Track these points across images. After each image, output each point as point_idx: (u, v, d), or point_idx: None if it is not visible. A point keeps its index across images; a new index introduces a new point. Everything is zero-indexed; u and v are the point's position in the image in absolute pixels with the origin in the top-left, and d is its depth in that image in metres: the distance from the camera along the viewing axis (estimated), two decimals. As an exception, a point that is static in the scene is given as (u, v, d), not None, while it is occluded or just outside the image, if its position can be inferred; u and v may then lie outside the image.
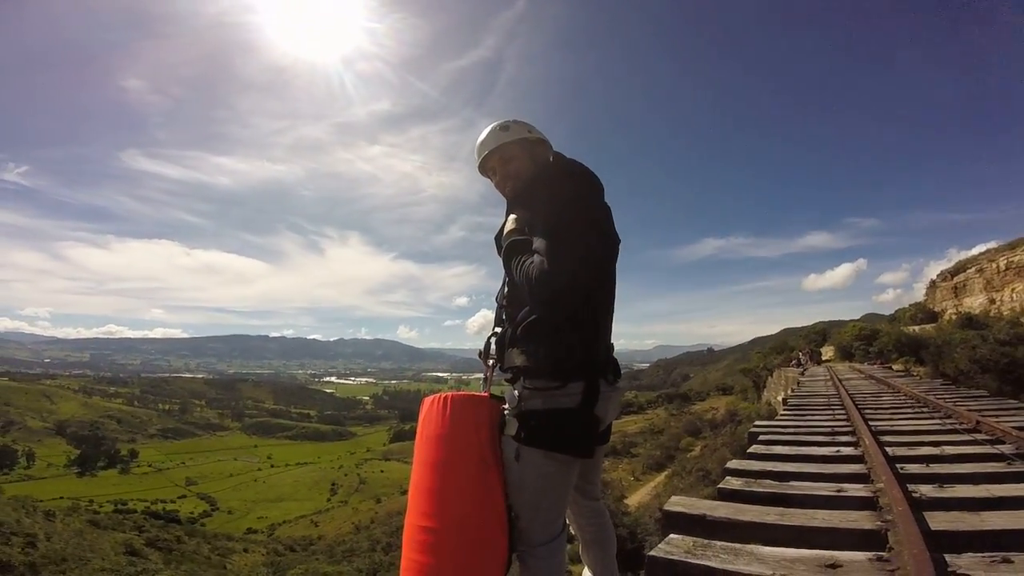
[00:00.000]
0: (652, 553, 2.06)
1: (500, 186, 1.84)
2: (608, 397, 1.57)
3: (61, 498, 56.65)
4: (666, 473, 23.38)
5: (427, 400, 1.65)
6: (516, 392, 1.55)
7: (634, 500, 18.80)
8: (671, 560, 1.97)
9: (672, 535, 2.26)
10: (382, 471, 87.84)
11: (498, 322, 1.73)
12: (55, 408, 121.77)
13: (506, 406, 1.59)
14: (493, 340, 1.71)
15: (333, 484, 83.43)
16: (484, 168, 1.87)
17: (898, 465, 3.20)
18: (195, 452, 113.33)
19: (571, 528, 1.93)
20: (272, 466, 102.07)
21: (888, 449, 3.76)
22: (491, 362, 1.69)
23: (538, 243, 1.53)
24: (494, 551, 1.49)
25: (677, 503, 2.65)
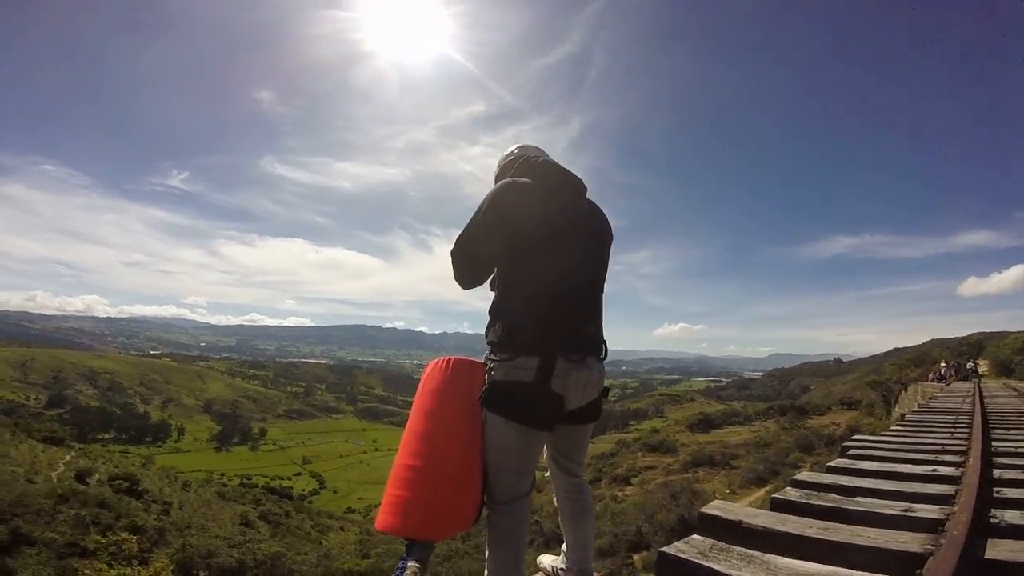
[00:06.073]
0: (664, 550, 2.00)
1: None
2: (567, 374, 1.63)
3: (199, 471, 64.27)
4: (767, 489, 21.66)
5: (432, 362, 1.86)
6: (488, 364, 1.72)
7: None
8: (680, 559, 1.91)
9: (694, 536, 2.17)
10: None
11: None
12: (205, 387, 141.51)
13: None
14: None
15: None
16: None
17: (998, 489, 2.75)
18: (313, 433, 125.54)
19: (554, 500, 2.06)
20: (376, 450, 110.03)
21: (997, 471, 3.24)
22: None
23: None
24: (469, 493, 1.66)
25: (715, 507, 2.52)
